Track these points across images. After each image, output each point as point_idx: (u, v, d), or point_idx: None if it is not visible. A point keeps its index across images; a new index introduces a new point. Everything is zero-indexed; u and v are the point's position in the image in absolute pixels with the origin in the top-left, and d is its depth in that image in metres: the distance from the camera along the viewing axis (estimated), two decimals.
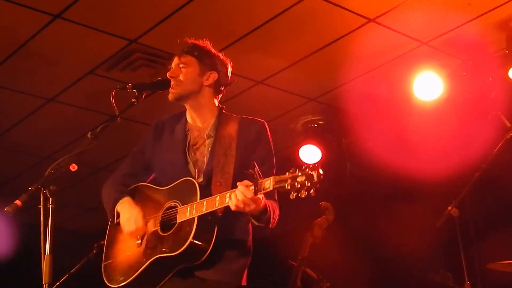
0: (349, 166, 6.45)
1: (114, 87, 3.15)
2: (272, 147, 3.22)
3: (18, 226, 5.60)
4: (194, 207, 2.97)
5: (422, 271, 4.86)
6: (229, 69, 3.32)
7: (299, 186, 2.64)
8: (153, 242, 3.09)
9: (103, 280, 3.22)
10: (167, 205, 3.11)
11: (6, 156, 6.88)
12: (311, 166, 2.67)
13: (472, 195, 4.32)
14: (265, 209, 2.90)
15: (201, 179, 3.10)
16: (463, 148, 5.39)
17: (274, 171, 3.14)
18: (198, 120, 3.26)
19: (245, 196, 2.77)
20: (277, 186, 2.70)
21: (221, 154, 3.10)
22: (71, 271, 5.06)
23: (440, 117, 5.65)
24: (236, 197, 2.80)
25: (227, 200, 2.85)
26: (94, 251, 5.19)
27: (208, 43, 3.32)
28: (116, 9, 4.78)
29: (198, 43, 3.29)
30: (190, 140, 3.24)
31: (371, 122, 6.02)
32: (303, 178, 2.64)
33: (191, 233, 2.91)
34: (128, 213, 3.16)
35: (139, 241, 3.13)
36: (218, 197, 2.91)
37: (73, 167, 2.82)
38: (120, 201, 3.21)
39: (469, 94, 5.41)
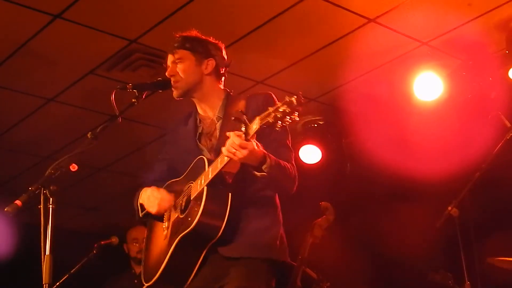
0: (349, 166, 6.45)
1: (114, 87, 3.15)
2: None
3: (18, 226, 5.59)
4: (203, 177, 3.00)
5: (422, 271, 4.85)
6: (223, 50, 3.32)
7: (281, 115, 2.65)
8: (175, 227, 3.09)
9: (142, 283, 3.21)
10: (185, 189, 3.13)
11: (6, 156, 6.87)
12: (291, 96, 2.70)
13: (472, 195, 4.31)
14: (263, 157, 2.89)
15: (210, 156, 3.12)
16: (463, 148, 5.39)
17: (287, 136, 3.18)
18: (208, 109, 3.26)
19: (235, 142, 2.78)
20: (263, 122, 2.70)
21: (231, 130, 3.05)
22: (71, 271, 5.07)
23: (440, 117, 5.65)
24: (228, 145, 2.81)
25: (226, 158, 2.87)
26: (94, 251, 5.21)
27: (196, 31, 3.31)
28: (116, 9, 4.78)
29: (186, 34, 3.28)
30: (203, 129, 3.25)
31: (371, 122, 6.01)
32: (284, 106, 2.65)
33: (201, 203, 2.93)
34: (146, 193, 3.19)
35: (165, 232, 3.13)
36: (219, 158, 2.93)
37: (73, 167, 2.82)
38: (141, 192, 3.24)
39: (469, 94, 5.41)
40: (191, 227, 2.93)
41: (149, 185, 3.27)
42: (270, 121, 2.66)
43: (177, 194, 3.19)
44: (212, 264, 3.03)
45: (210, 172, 2.96)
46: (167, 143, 3.44)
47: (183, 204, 3.10)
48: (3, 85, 5.68)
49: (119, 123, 3.09)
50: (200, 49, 3.24)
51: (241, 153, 2.79)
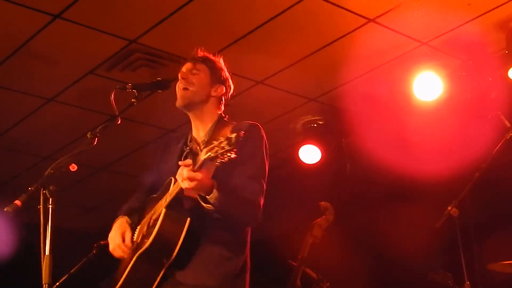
0: (349, 166, 6.45)
1: (114, 87, 3.15)
2: (263, 148, 3.18)
3: (18, 226, 5.58)
4: (164, 199, 3.05)
5: (422, 271, 4.85)
6: (232, 89, 3.38)
7: (221, 151, 2.70)
8: (138, 243, 3.13)
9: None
10: (156, 206, 3.16)
11: (6, 156, 6.88)
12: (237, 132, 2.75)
13: (472, 195, 4.31)
14: (211, 188, 2.90)
15: None
16: (463, 148, 5.39)
17: (260, 171, 3.13)
18: (200, 129, 3.29)
19: (183, 172, 2.83)
20: (207, 154, 2.74)
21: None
22: (71, 271, 5.07)
23: (440, 117, 5.65)
24: (177, 174, 2.88)
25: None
26: (94, 251, 5.20)
27: (221, 58, 3.39)
28: (116, 9, 4.78)
29: (211, 57, 3.36)
30: (191, 149, 3.27)
31: (371, 122, 6.01)
32: (225, 142, 2.70)
33: (157, 224, 2.97)
34: (111, 233, 3.26)
35: (133, 245, 3.17)
36: (176, 184, 2.98)
37: (73, 167, 2.82)
38: (115, 221, 3.32)
39: (469, 94, 5.41)
40: (146, 246, 2.97)
41: (123, 213, 3.35)
42: (212, 155, 2.72)
43: (148, 212, 3.22)
44: (170, 285, 3.04)
45: (168, 195, 3.01)
46: (157, 157, 3.45)
47: (150, 222, 3.13)
48: (3, 85, 5.68)
49: (119, 123, 3.09)
50: (218, 73, 3.31)
51: (188, 184, 2.84)
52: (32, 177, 2.73)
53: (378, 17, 4.89)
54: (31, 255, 3.60)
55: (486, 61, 5.26)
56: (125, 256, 3.16)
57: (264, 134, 3.22)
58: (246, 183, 3.06)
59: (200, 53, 3.35)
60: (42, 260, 2.65)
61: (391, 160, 5.64)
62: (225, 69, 3.37)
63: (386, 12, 4.83)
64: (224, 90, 3.31)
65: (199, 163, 2.82)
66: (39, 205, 2.69)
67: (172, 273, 3.02)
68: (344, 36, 5.11)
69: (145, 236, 3.09)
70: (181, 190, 2.96)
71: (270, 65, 5.49)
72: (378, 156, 5.78)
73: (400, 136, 5.89)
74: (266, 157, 3.20)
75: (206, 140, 3.21)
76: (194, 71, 3.27)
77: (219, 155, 2.71)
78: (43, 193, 2.70)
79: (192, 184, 2.83)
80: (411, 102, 5.58)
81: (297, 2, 4.70)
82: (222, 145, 2.70)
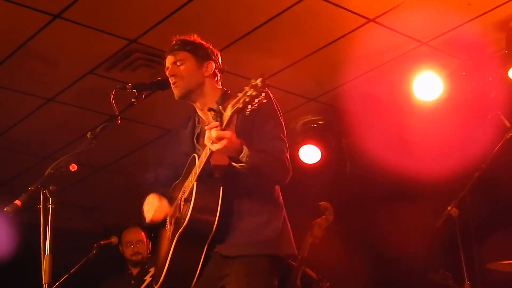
0: (349, 166, 6.45)
1: (113, 87, 3.15)
2: (276, 109, 3.17)
3: (18, 226, 5.59)
4: (193, 173, 3.02)
5: (422, 271, 4.85)
6: (219, 55, 3.35)
7: (249, 99, 2.66)
8: (175, 228, 3.10)
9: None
10: (182, 189, 3.15)
11: (6, 156, 6.88)
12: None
13: (472, 195, 4.31)
14: (240, 147, 2.86)
15: None
16: (463, 148, 5.39)
17: (280, 129, 3.12)
18: (206, 109, 3.22)
19: (211, 133, 2.78)
20: (234, 108, 2.70)
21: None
22: (71, 271, 5.07)
23: (440, 117, 5.65)
24: (206, 137, 2.83)
25: (208, 150, 2.89)
26: (94, 251, 5.21)
27: (195, 34, 3.33)
28: (116, 9, 4.78)
29: (186, 38, 3.30)
30: (201, 129, 3.26)
31: (371, 122, 6.01)
32: (251, 90, 2.67)
33: (191, 200, 2.94)
34: (148, 199, 3.21)
35: (168, 233, 3.14)
36: (203, 152, 2.95)
37: (73, 167, 2.82)
38: (146, 198, 3.26)
39: (468, 94, 5.41)
40: (184, 225, 2.94)
41: (153, 191, 3.28)
42: (240, 106, 2.67)
43: (176, 197, 3.20)
44: (214, 263, 3.03)
45: (197, 167, 2.98)
46: (168, 148, 3.45)
47: (181, 204, 3.11)
48: (3, 85, 5.68)
49: (119, 123, 3.09)
50: (200, 52, 3.26)
51: (220, 144, 2.79)
52: (32, 177, 2.73)
53: (378, 17, 4.89)
54: (31, 255, 3.60)
55: (486, 61, 5.26)
56: (168, 217, 3.13)
57: (272, 96, 3.18)
58: (270, 145, 3.04)
59: (176, 41, 3.30)
60: (42, 260, 2.65)
61: (391, 160, 5.63)
62: (203, 42, 3.31)
63: (386, 12, 4.83)
64: (214, 64, 3.27)
65: (226, 120, 2.75)
66: (39, 205, 2.70)
67: (214, 248, 2.99)
68: (344, 36, 5.11)
69: (180, 218, 3.05)
70: (208, 160, 2.91)
71: (270, 65, 5.49)
72: (378, 156, 5.78)
73: (400, 136, 5.89)
74: (280, 115, 3.18)
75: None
76: (178, 63, 3.24)
77: (247, 103, 2.65)
78: (43, 193, 2.71)
79: (224, 143, 2.78)
80: (411, 102, 5.58)
81: (297, 2, 4.70)
82: (248, 93, 2.66)
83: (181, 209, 3.08)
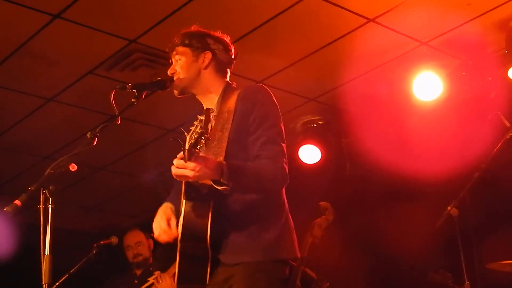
0: (349, 166, 6.45)
1: (113, 87, 3.14)
2: (273, 110, 3.08)
3: (18, 226, 5.59)
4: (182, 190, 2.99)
5: (422, 271, 4.85)
6: (227, 43, 3.27)
7: (198, 134, 2.62)
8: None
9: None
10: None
11: (6, 156, 6.88)
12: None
13: (472, 195, 4.31)
14: (219, 169, 2.75)
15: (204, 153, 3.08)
16: (463, 148, 5.39)
17: (275, 133, 3.01)
18: (209, 104, 3.18)
19: (176, 168, 2.71)
20: (192, 141, 2.64)
21: (218, 129, 2.99)
22: (71, 271, 5.07)
23: (440, 117, 5.65)
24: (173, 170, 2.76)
25: None
26: (94, 251, 5.21)
27: (196, 26, 3.28)
28: (116, 9, 4.78)
29: (185, 31, 3.26)
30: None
31: (371, 122, 6.01)
32: (199, 125, 2.69)
33: (181, 215, 2.93)
34: (158, 213, 3.15)
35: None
36: None
37: (73, 167, 2.81)
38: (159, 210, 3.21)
39: (468, 94, 5.41)
40: (179, 240, 2.95)
41: (168, 199, 3.23)
42: (192, 141, 2.64)
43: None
44: (219, 271, 2.98)
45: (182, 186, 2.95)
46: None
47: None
48: (2, 85, 5.68)
49: (119, 123, 3.08)
50: (197, 43, 3.20)
51: (184, 177, 2.74)
52: (32, 177, 2.73)
53: (378, 17, 4.89)
54: (31, 255, 3.60)
55: (486, 61, 5.26)
56: (171, 241, 3.06)
57: (272, 96, 3.11)
58: (262, 149, 2.95)
59: (176, 37, 3.25)
60: (42, 260, 2.65)
61: (391, 160, 5.63)
62: (205, 31, 3.23)
63: (386, 12, 4.83)
64: (212, 54, 3.19)
65: (186, 154, 2.63)
66: (39, 205, 2.69)
67: (217, 257, 2.94)
68: (344, 36, 5.11)
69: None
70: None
71: (270, 65, 5.49)
72: (377, 156, 5.78)
73: (400, 136, 5.89)
74: (279, 117, 3.08)
75: (215, 114, 3.08)
76: (177, 59, 3.21)
77: (196, 140, 2.60)
78: (43, 193, 2.70)
79: (188, 174, 2.69)
80: (411, 102, 5.58)
81: (297, 2, 4.71)
82: (197, 129, 2.66)
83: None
